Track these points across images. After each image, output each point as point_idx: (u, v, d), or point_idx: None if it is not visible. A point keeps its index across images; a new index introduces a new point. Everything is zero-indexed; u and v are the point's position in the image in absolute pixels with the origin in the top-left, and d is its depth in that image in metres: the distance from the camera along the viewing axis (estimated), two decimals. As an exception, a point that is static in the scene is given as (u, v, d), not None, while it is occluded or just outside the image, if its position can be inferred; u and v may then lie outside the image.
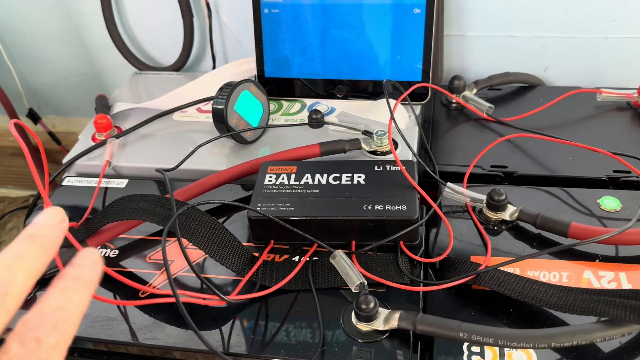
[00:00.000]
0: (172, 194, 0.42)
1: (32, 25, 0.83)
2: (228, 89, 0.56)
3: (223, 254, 0.44)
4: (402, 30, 0.61)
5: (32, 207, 0.61)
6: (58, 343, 0.19)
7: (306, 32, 0.64)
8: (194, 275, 0.46)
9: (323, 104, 0.65)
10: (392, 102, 0.54)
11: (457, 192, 0.51)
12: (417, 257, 0.46)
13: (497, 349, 0.40)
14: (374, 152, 0.57)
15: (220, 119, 0.56)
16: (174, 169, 0.53)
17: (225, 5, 0.73)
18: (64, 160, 0.60)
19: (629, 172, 0.52)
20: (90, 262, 0.21)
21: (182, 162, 0.54)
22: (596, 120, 0.61)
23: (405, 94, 0.54)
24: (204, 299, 0.41)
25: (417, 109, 0.63)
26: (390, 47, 0.62)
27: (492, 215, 0.50)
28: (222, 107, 0.55)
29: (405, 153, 0.56)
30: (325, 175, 0.50)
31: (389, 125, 0.52)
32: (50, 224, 0.22)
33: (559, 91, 0.63)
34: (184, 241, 0.44)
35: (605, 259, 0.46)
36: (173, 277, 0.46)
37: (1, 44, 0.85)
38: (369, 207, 0.47)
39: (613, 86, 0.64)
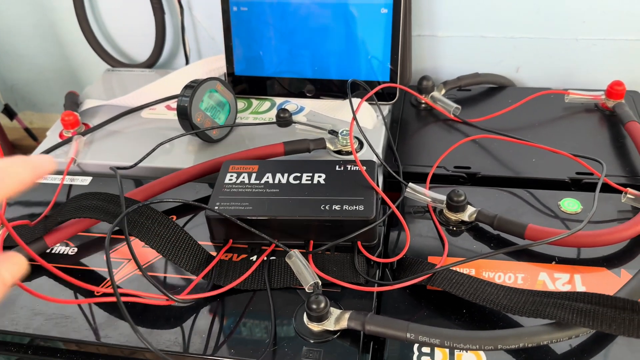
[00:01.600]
0: (122, 192, 0.42)
1: (7, 20, 0.83)
2: (193, 87, 0.56)
3: (176, 253, 0.43)
4: (369, 30, 0.61)
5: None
6: None
7: (275, 31, 0.63)
8: (152, 273, 0.46)
9: (292, 103, 0.65)
10: (356, 101, 0.54)
11: (418, 193, 0.51)
12: (373, 257, 0.46)
13: (447, 350, 0.40)
14: (339, 152, 0.57)
15: (184, 116, 0.56)
16: (132, 166, 0.52)
17: (198, 2, 0.73)
18: (30, 157, 0.60)
19: (591, 174, 0.52)
20: (45, 162, 0.25)
21: (141, 160, 0.53)
22: (563, 121, 0.61)
23: (369, 94, 0.53)
24: (151, 298, 0.41)
25: (386, 109, 0.63)
26: (358, 47, 0.62)
27: (452, 216, 0.50)
28: (186, 104, 0.55)
29: (369, 153, 0.56)
30: (286, 175, 0.50)
31: (350, 125, 0.52)
32: (45, 156, 0.25)
33: (529, 92, 0.63)
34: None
35: (562, 260, 0.46)
36: (130, 275, 0.46)
37: (-24, 39, 0.84)
38: (327, 207, 0.47)
39: (584, 87, 0.64)
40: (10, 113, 0.89)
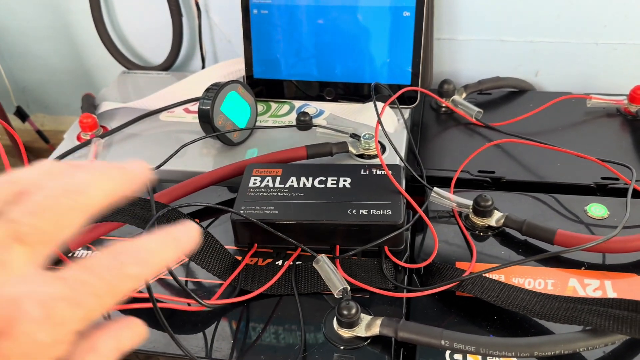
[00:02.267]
0: (152, 195, 0.41)
1: (21, 21, 0.82)
2: (215, 90, 0.55)
3: (204, 258, 0.43)
4: (391, 33, 0.60)
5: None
6: (133, 276, 0.20)
7: (296, 34, 0.63)
8: (181, 278, 0.46)
9: (312, 106, 0.64)
10: (380, 105, 0.53)
11: (443, 197, 0.51)
12: (401, 263, 0.46)
13: (480, 357, 0.39)
14: (361, 156, 0.56)
15: (206, 119, 0.55)
16: (156, 168, 0.52)
17: (216, 5, 0.72)
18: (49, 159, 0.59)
19: (616, 179, 0.52)
20: (191, 230, 0.22)
21: (164, 162, 0.53)
22: (585, 126, 0.61)
23: (393, 97, 0.53)
24: (183, 303, 0.40)
25: (407, 112, 0.62)
26: (380, 50, 0.62)
27: (478, 221, 0.49)
28: (208, 107, 0.55)
29: (392, 157, 0.55)
30: (310, 179, 0.50)
31: (375, 129, 0.51)
32: (140, 165, 0.23)
33: (549, 96, 0.62)
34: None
35: (591, 266, 0.45)
36: (156, 279, 0.46)
37: (-11, 40, 0.84)
38: (354, 212, 0.46)
39: (604, 92, 0.64)
40: (22, 115, 0.89)
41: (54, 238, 0.19)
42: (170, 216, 0.43)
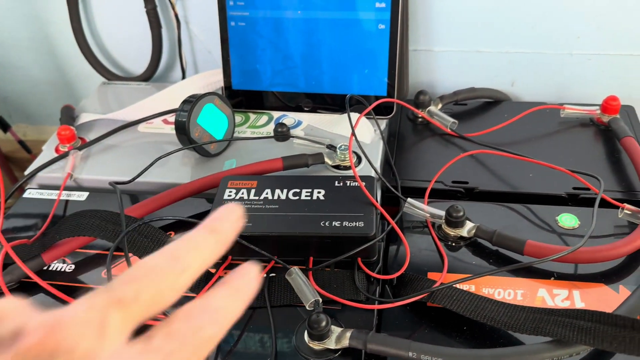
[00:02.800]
0: (122, 210, 0.42)
1: (1, 32, 0.82)
2: (191, 102, 0.56)
3: (176, 271, 0.43)
4: (367, 45, 0.61)
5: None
6: (211, 338, 0.20)
7: (273, 45, 0.64)
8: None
9: (290, 117, 0.65)
10: (355, 116, 0.54)
11: (416, 208, 0.51)
12: (373, 274, 0.46)
13: (448, 368, 0.40)
14: (337, 167, 0.57)
15: (182, 131, 0.56)
16: (130, 181, 0.52)
17: (195, 16, 0.73)
18: (26, 172, 0.60)
19: (587, 189, 0.53)
20: (249, 277, 0.22)
21: (139, 175, 0.53)
22: (559, 136, 0.61)
23: (368, 109, 0.54)
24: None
25: (383, 123, 0.63)
26: (356, 62, 0.62)
27: (450, 231, 0.50)
28: (185, 119, 0.55)
29: (368, 168, 0.56)
30: (285, 191, 0.50)
31: (349, 141, 0.52)
32: (229, 219, 0.23)
33: (524, 106, 0.63)
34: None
35: (561, 276, 0.46)
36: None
37: (-30, 51, 0.84)
38: (327, 224, 0.47)
39: (579, 102, 0.65)
40: (3, 125, 0.89)
41: (153, 305, 0.20)
42: (141, 230, 0.43)
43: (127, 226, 0.41)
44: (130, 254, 0.43)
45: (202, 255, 0.21)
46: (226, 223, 0.23)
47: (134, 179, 0.53)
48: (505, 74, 0.69)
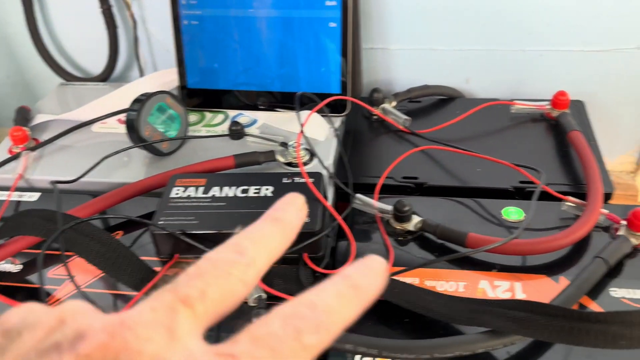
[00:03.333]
0: (60, 208, 0.42)
1: (-42, 34, 0.81)
2: (141, 101, 0.56)
3: (117, 270, 0.43)
4: (320, 43, 0.61)
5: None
6: (312, 347, 0.17)
7: (227, 44, 0.64)
8: (102, 291, 0.46)
9: (246, 115, 0.65)
10: (306, 114, 0.54)
11: (365, 204, 0.52)
12: (318, 269, 0.46)
13: (387, 360, 0.40)
14: (289, 164, 0.57)
15: (132, 130, 0.55)
16: (74, 181, 0.52)
17: (152, 16, 0.72)
18: (-22, 173, 0.59)
19: (532, 182, 0.54)
20: (374, 272, 0.19)
21: (85, 174, 0.53)
22: (510, 131, 0.62)
23: (318, 106, 0.54)
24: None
25: (338, 120, 0.63)
26: (310, 60, 0.63)
27: (398, 226, 0.50)
28: (134, 118, 0.55)
29: (320, 164, 0.56)
30: (234, 188, 0.50)
31: (297, 138, 0.52)
32: (293, 208, 0.21)
33: (477, 103, 0.64)
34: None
35: (504, 268, 0.47)
36: (75, 291, 0.46)
37: None
38: (272, 220, 0.47)
39: (533, 97, 0.66)
40: (-38, 127, 0.88)
41: (222, 303, 0.18)
42: (82, 229, 0.43)
43: (65, 225, 0.40)
44: (72, 254, 0.43)
45: (269, 247, 0.20)
46: (290, 212, 0.21)
47: (78, 178, 0.52)
48: (460, 71, 0.70)
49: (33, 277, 0.48)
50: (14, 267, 0.49)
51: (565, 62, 0.67)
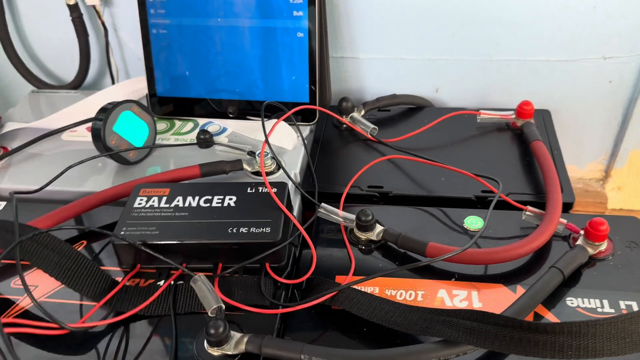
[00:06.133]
0: (16, 219, 0.42)
1: None
2: (107, 109, 0.56)
3: (77, 281, 0.43)
4: (288, 53, 0.62)
5: None
6: None
7: (196, 53, 0.64)
8: (64, 301, 0.46)
9: (215, 124, 0.65)
10: (272, 123, 0.54)
11: (330, 213, 0.52)
12: (279, 279, 0.47)
13: (343, 370, 0.40)
14: (256, 173, 0.57)
15: (98, 139, 0.56)
16: (35, 191, 0.52)
17: (123, 24, 0.73)
18: (-57, 182, 0.59)
19: (492, 192, 0.54)
20: None
21: (47, 184, 0.53)
22: (475, 141, 0.63)
23: (285, 115, 0.54)
24: (43, 328, 0.40)
25: (307, 129, 0.64)
26: (279, 69, 0.63)
27: (361, 235, 0.51)
28: (100, 127, 0.55)
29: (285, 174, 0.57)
30: (197, 198, 0.51)
31: (262, 148, 0.53)
32: None
33: (445, 112, 0.65)
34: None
35: (463, 277, 0.47)
36: (38, 300, 0.46)
37: None
38: (234, 230, 0.47)
39: (501, 106, 0.67)
40: None
41: None
42: (41, 240, 0.43)
43: (23, 236, 0.40)
44: (29, 263, 0.43)
45: None
46: None
47: (40, 189, 0.52)
48: (429, 81, 0.70)
49: (-4, 287, 0.48)
50: None
51: (532, 72, 0.68)
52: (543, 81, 0.69)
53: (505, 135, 0.64)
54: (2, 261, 0.49)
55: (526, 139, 0.60)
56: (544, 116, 0.66)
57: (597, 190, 0.75)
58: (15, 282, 0.48)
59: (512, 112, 0.64)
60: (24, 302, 0.46)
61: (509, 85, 0.70)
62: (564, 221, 0.50)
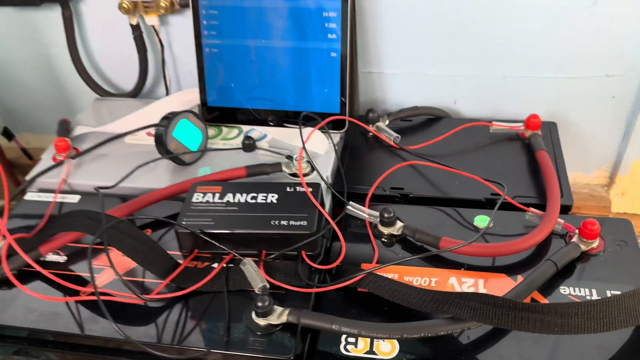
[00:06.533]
0: (103, 210, 0.51)
1: (8, 53, 0.92)
2: (168, 118, 0.65)
3: (148, 261, 0.52)
4: (322, 70, 0.71)
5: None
6: None
7: (243, 68, 0.73)
8: (132, 278, 0.55)
9: (257, 131, 0.74)
10: (309, 131, 0.63)
11: (357, 210, 0.61)
12: (314, 264, 0.55)
13: (368, 339, 0.49)
14: (294, 175, 0.66)
15: (160, 143, 0.65)
16: (113, 186, 0.62)
17: (177, 41, 0.82)
18: (27, 178, 0.69)
19: (499, 195, 0.62)
20: None
21: (121, 180, 0.63)
22: (487, 149, 0.71)
23: (319, 125, 0.63)
24: (125, 297, 0.50)
25: (337, 136, 0.72)
26: (314, 84, 0.72)
27: (384, 229, 0.59)
28: (162, 133, 0.64)
29: (319, 176, 0.65)
30: (244, 195, 0.60)
31: (300, 153, 0.61)
32: None
33: (460, 123, 0.73)
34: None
35: (471, 268, 0.55)
36: (111, 279, 0.55)
37: (-21, 68, 0.94)
38: (276, 223, 0.56)
39: (513, 118, 0.74)
40: (8, 134, 0.99)
41: None
42: (120, 227, 0.52)
43: (108, 223, 0.50)
44: (111, 248, 0.53)
45: None
46: None
47: (117, 184, 0.62)
48: (448, 94, 0.78)
49: (75, 267, 0.58)
50: (60, 258, 0.59)
51: (541, 87, 0.75)
52: (552, 96, 0.76)
53: (515, 145, 0.71)
54: (83, 245, 0.59)
55: (532, 149, 0.67)
56: (551, 128, 0.73)
57: (602, 195, 0.82)
58: (94, 262, 0.58)
59: (521, 123, 0.71)
60: (100, 279, 0.55)
61: (520, 99, 0.77)
62: (562, 221, 0.57)
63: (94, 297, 0.51)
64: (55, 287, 0.55)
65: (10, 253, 0.56)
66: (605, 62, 0.72)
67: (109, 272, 0.56)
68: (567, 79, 0.74)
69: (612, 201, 0.81)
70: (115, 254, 0.54)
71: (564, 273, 0.54)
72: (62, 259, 0.59)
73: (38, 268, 0.52)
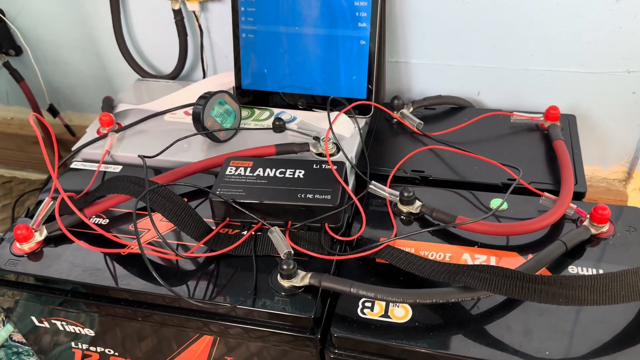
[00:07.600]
0: (146, 175, 0.56)
1: (55, 34, 0.98)
2: (206, 97, 0.70)
3: (185, 224, 0.57)
4: (351, 57, 0.74)
5: (43, 185, 0.75)
6: None
7: (276, 54, 0.77)
8: (169, 240, 0.60)
9: (287, 113, 0.79)
10: (335, 114, 0.67)
11: (378, 189, 0.64)
12: (336, 236, 0.59)
13: (383, 303, 0.52)
14: (320, 154, 0.70)
15: (197, 120, 0.70)
16: (155, 156, 0.67)
17: (215, 27, 0.87)
18: (73, 148, 0.75)
19: (515, 179, 0.65)
20: None
21: (162, 152, 0.68)
22: (508, 137, 0.73)
23: (346, 109, 0.67)
24: (164, 253, 0.55)
25: (363, 121, 0.76)
26: (343, 70, 0.76)
27: (403, 208, 0.62)
28: (200, 111, 0.69)
29: (343, 156, 0.69)
30: (274, 170, 0.64)
31: (326, 134, 0.65)
32: None
33: (482, 113, 0.75)
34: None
35: (484, 245, 0.58)
36: (150, 239, 0.60)
37: (29, 48, 1.00)
38: (302, 196, 0.60)
39: (534, 109, 0.77)
40: (54, 111, 1.05)
41: None
42: (161, 192, 0.57)
43: (150, 187, 0.55)
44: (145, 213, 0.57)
45: None
46: None
47: (158, 154, 0.67)
48: (472, 84, 0.81)
49: (115, 230, 0.63)
50: (103, 221, 0.64)
51: (563, 81, 0.78)
52: (572, 90, 0.78)
53: (534, 135, 0.74)
54: (123, 210, 0.64)
55: (550, 138, 0.70)
56: (570, 120, 0.75)
57: (619, 189, 0.84)
58: (132, 226, 0.63)
59: (541, 115, 0.73)
60: (142, 240, 0.60)
61: (541, 91, 0.79)
62: (574, 206, 0.60)
63: (137, 251, 0.56)
64: (98, 244, 0.60)
65: (52, 215, 0.61)
66: (627, 58, 0.74)
67: (146, 236, 0.61)
68: (588, 74, 0.76)
69: (629, 196, 0.83)
70: (155, 218, 0.59)
71: (574, 253, 0.56)
72: (104, 221, 0.64)
73: (88, 222, 0.58)
